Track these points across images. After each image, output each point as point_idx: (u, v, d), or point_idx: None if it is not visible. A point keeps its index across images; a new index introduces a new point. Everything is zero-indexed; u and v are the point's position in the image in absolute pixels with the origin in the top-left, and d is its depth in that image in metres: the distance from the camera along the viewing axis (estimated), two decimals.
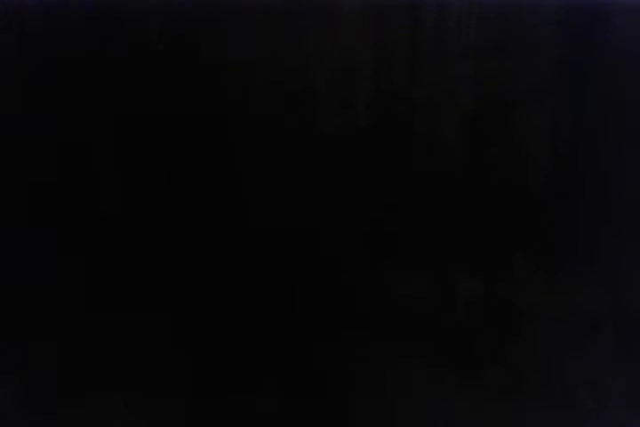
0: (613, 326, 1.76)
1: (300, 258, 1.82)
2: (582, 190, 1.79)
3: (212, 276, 1.81)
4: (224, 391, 1.80)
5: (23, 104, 1.79)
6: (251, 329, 1.81)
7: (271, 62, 1.79)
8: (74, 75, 1.80)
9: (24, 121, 1.80)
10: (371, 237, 1.81)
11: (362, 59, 1.81)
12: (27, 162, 1.79)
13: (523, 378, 1.76)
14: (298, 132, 1.82)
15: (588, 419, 1.78)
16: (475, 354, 1.77)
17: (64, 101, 1.79)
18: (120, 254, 1.80)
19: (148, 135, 1.80)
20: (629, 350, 1.76)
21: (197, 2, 1.78)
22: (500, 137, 1.78)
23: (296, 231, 1.82)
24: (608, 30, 1.78)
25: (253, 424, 1.83)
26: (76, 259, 1.79)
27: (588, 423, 1.78)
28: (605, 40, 1.77)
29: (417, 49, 1.80)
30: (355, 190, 1.82)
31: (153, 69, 1.79)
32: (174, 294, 1.81)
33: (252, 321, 1.80)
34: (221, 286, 1.80)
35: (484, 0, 1.81)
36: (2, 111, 1.78)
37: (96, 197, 1.80)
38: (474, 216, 1.79)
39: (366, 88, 1.83)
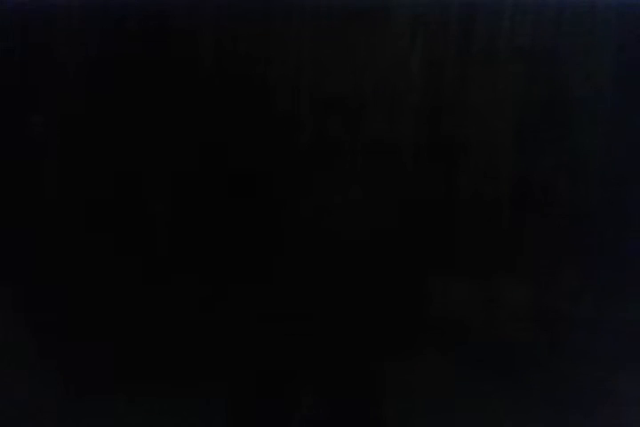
0: None
1: (341, 266, 1.82)
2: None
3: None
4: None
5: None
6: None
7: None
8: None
9: None
10: (418, 245, 1.80)
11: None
12: None
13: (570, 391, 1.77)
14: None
15: None
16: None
17: None
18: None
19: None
20: None
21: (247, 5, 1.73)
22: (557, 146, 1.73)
23: (335, 243, 1.82)
24: None
25: None
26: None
27: None
28: None
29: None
30: (400, 201, 1.81)
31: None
32: None
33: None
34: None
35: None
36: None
37: None
38: (528, 229, 1.77)
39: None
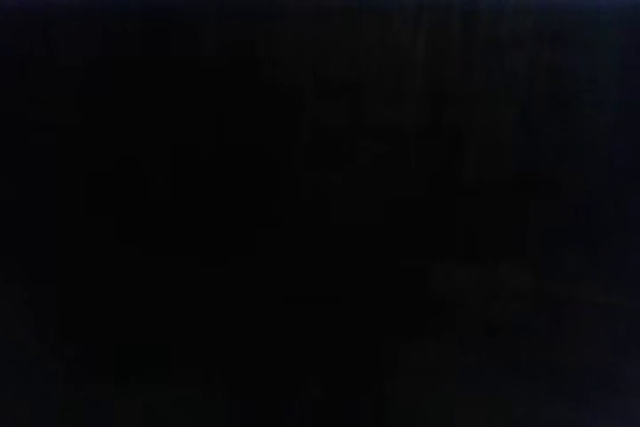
0: None
1: (353, 251, 1.81)
2: None
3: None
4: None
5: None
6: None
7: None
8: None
9: None
10: (424, 232, 1.80)
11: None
12: None
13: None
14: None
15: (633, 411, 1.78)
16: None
17: None
18: None
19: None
20: None
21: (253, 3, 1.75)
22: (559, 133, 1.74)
23: (342, 227, 1.81)
24: None
25: None
26: None
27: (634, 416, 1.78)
28: None
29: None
30: (404, 186, 1.80)
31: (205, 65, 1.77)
32: None
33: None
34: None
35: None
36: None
37: None
38: (530, 213, 1.77)
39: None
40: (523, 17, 1.79)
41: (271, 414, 1.85)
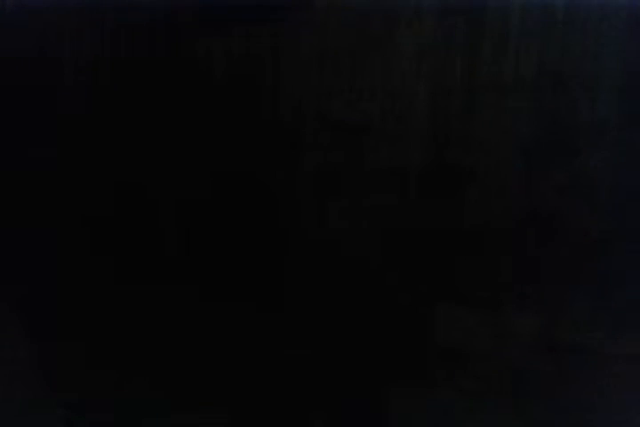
0: None
1: (356, 290, 1.76)
2: None
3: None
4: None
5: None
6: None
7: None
8: None
9: None
10: (430, 276, 1.74)
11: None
12: None
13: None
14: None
15: None
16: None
17: None
18: None
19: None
20: None
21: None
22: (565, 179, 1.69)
23: (347, 269, 1.76)
24: None
25: None
26: None
27: None
28: None
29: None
30: (406, 231, 1.76)
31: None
32: None
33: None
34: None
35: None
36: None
37: None
38: (536, 257, 1.71)
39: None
40: None
41: None
